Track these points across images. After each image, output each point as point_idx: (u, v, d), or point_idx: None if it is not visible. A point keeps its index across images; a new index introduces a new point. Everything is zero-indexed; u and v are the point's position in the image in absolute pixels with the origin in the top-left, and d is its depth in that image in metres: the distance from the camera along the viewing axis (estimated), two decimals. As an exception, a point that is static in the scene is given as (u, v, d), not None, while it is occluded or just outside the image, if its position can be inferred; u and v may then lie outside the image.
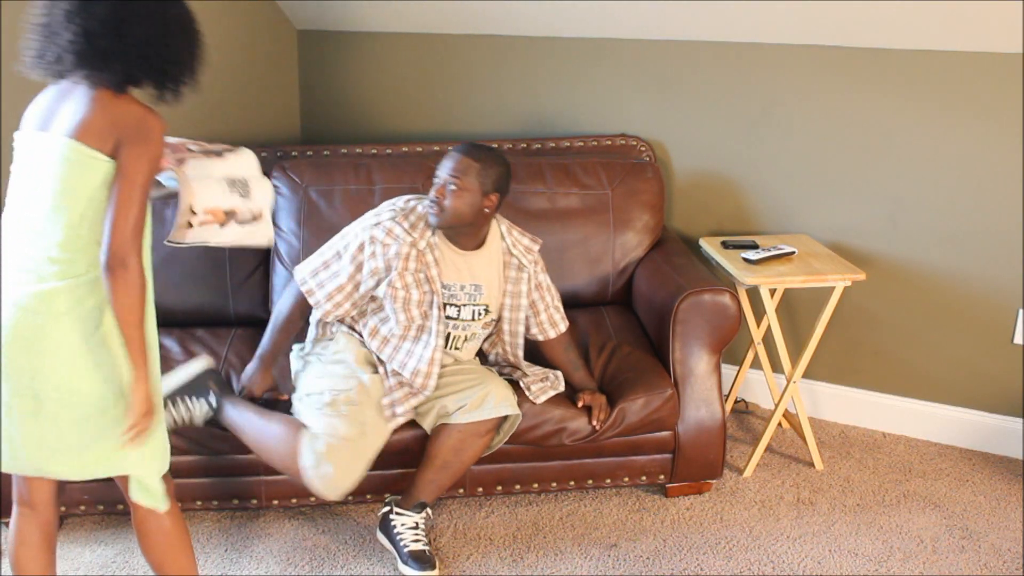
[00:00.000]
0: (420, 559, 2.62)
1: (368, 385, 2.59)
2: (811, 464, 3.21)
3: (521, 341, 2.78)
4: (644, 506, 2.97)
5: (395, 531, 2.67)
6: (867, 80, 3.18)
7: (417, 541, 2.65)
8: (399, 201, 2.67)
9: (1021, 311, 3.16)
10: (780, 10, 3.10)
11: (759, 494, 3.04)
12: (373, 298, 2.66)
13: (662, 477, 2.93)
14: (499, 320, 2.76)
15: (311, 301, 2.64)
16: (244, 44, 3.80)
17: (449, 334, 2.68)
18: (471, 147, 2.60)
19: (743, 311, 3.09)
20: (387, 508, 2.72)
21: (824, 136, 3.30)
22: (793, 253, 3.13)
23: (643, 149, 3.49)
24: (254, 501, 2.76)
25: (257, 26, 3.82)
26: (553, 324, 2.81)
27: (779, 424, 3.42)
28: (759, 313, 3.35)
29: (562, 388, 2.78)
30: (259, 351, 2.72)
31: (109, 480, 2.74)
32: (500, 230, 2.72)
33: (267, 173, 3.25)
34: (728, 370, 3.55)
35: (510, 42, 3.66)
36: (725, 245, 3.27)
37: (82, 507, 2.79)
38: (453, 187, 2.53)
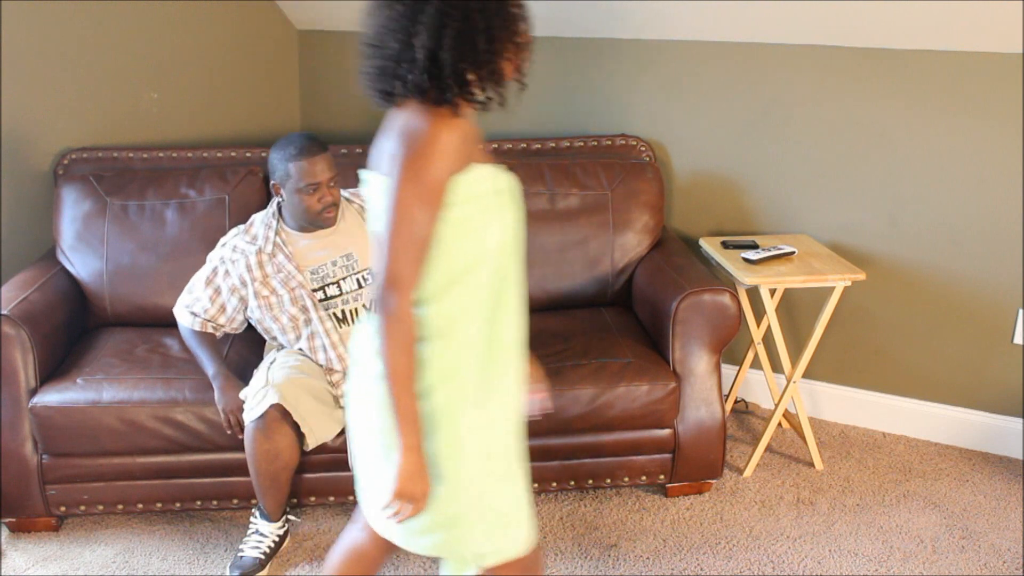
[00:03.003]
0: None
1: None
2: (811, 464, 3.21)
3: None
4: (644, 506, 2.97)
5: None
6: (867, 80, 3.18)
7: None
8: (245, 224, 2.80)
9: (1021, 311, 3.16)
10: (781, 10, 3.10)
11: (759, 494, 3.04)
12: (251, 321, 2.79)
13: (662, 477, 2.93)
14: None
15: (183, 321, 2.78)
16: (244, 44, 3.80)
17: (342, 310, 2.73)
18: (316, 141, 2.69)
19: (743, 311, 3.09)
20: None
21: (824, 136, 3.30)
22: (793, 253, 3.13)
23: (643, 149, 3.49)
24: (254, 501, 2.76)
25: (257, 26, 3.82)
26: None
27: (779, 424, 3.42)
28: (759, 313, 3.35)
29: None
30: (210, 376, 2.71)
31: (108, 480, 2.76)
32: (344, 197, 2.84)
33: (267, 173, 3.27)
34: (728, 370, 3.55)
35: (510, 42, 3.66)
36: (725, 245, 3.27)
37: (82, 507, 2.79)
38: (333, 183, 2.68)
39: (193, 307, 2.77)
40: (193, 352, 2.79)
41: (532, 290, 3.26)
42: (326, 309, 2.71)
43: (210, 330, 2.78)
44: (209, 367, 2.72)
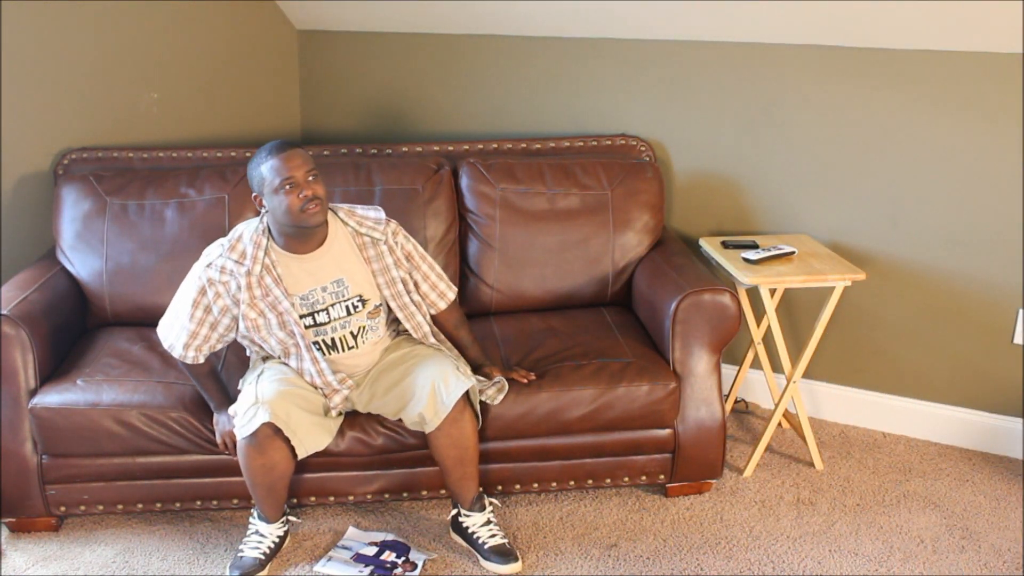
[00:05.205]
0: (502, 553, 2.65)
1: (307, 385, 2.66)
2: (811, 464, 3.21)
3: (420, 319, 2.74)
4: (644, 506, 2.97)
5: (469, 532, 2.70)
6: (867, 80, 3.18)
7: (494, 536, 2.68)
8: (227, 236, 2.62)
9: (1021, 311, 3.16)
10: (780, 10, 3.10)
11: (759, 494, 3.04)
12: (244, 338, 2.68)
13: (662, 477, 2.93)
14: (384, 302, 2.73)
15: (174, 355, 2.63)
16: (244, 44, 3.80)
17: (331, 338, 2.65)
18: (287, 142, 2.55)
19: (743, 311, 3.09)
20: (455, 511, 2.74)
21: (824, 136, 3.30)
22: (793, 253, 3.13)
23: (643, 149, 3.49)
24: (253, 502, 2.75)
25: (257, 26, 3.82)
26: (441, 295, 2.78)
27: (779, 424, 3.42)
28: (759, 313, 3.35)
29: (506, 387, 2.77)
30: (212, 405, 2.69)
31: (108, 480, 2.76)
32: (339, 218, 2.66)
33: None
34: (728, 370, 3.55)
35: (510, 42, 3.66)
36: (725, 245, 3.27)
37: (82, 507, 2.79)
38: (312, 177, 2.49)
39: (182, 336, 2.60)
40: (192, 381, 2.73)
41: (532, 290, 3.27)
42: (315, 336, 2.63)
43: (202, 359, 2.64)
44: (211, 401, 2.70)
